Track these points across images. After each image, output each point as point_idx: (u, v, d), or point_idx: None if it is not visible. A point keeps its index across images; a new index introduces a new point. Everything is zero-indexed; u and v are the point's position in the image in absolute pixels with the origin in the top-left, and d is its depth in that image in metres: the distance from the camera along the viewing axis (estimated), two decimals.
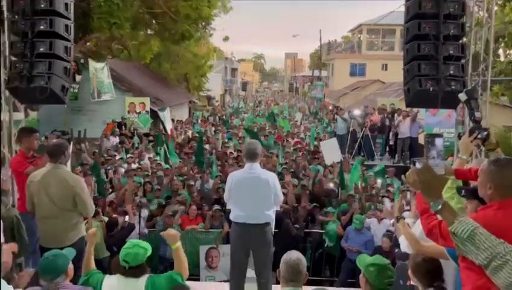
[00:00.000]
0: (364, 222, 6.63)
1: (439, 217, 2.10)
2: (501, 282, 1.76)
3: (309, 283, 3.91)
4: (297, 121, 20.75)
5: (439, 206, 1.98)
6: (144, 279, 2.82)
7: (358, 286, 2.72)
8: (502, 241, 1.83)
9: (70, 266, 2.81)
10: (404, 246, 3.08)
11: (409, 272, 2.76)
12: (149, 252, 2.88)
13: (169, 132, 14.58)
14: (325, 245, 6.78)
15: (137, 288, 2.78)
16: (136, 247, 2.82)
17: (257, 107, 32.54)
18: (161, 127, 15.44)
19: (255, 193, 4.10)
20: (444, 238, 2.10)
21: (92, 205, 4.13)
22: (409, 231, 2.95)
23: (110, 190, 7.92)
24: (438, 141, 2.00)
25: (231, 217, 4.29)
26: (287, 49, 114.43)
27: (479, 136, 3.00)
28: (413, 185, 2.60)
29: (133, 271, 2.80)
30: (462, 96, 3.31)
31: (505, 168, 2.11)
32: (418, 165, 2.66)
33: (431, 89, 5.16)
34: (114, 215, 6.60)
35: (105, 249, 6.26)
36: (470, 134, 3.03)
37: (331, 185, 8.21)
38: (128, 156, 10.40)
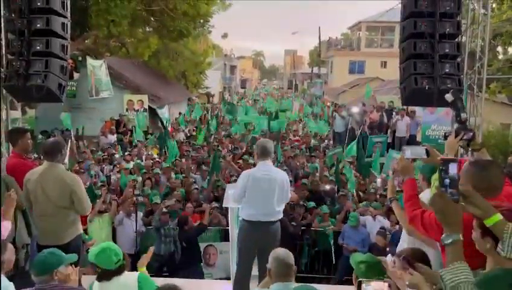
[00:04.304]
0: (359, 219, 6.66)
1: (422, 206, 2.12)
2: None
3: (306, 280, 3.96)
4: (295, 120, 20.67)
5: (450, 241, 1.78)
6: (130, 275, 2.89)
7: None
8: None
9: (63, 271, 2.76)
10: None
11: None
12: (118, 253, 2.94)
13: (169, 130, 14.59)
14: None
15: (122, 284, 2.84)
16: (106, 250, 2.90)
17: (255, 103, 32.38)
18: (159, 125, 15.45)
19: (270, 192, 4.17)
20: (425, 227, 2.12)
21: (89, 202, 4.15)
22: (402, 212, 2.95)
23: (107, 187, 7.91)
24: (452, 168, 1.82)
25: (243, 215, 4.33)
26: (287, 46, 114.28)
27: (465, 137, 3.05)
28: (402, 172, 2.64)
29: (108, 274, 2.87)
30: (449, 97, 3.37)
31: (484, 170, 2.13)
32: (406, 154, 2.69)
33: (427, 88, 5.19)
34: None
35: None
36: (456, 135, 3.09)
37: (327, 187, 8.23)
38: (126, 153, 10.42)
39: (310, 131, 15.91)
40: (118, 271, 2.87)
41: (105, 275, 2.87)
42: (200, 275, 6.44)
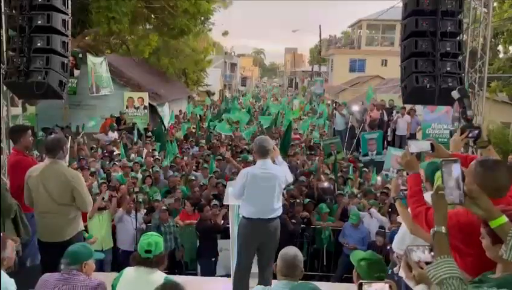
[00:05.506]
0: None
1: (427, 203, 2.10)
2: None
3: (306, 278, 3.96)
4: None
5: (434, 232, 1.82)
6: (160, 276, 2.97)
7: None
8: None
9: (90, 264, 2.95)
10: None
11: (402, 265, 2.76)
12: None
13: (168, 128, 14.56)
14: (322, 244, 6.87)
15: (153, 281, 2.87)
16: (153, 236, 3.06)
17: (256, 102, 32.34)
18: (160, 122, 15.41)
19: (269, 190, 4.18)
20: (429, 225, 2.10)
21: (90, 199, 4.14)
22: (405, 211, 2.91)
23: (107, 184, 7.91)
24: (456, 169, 1.82)
25: (243, 213, 4.32)
26: (287, 44, 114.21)
27: (470, 134, 3.03)
28: (406, 167, 2.61)
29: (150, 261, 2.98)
30: (455, 94, 3.34)
31: (491, 170, 2.08)
32: (411, 148, 2.64)
33: (428, 86, 5.19)
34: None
35: (110, 240, 6.33)
36: (461, 133, 3.06)
37: (326, 184, 8.25)
38: (131, 155, 10.41)
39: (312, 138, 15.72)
40: (151, 264, 2.95)
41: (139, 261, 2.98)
42: (213, 273, 6.45)
